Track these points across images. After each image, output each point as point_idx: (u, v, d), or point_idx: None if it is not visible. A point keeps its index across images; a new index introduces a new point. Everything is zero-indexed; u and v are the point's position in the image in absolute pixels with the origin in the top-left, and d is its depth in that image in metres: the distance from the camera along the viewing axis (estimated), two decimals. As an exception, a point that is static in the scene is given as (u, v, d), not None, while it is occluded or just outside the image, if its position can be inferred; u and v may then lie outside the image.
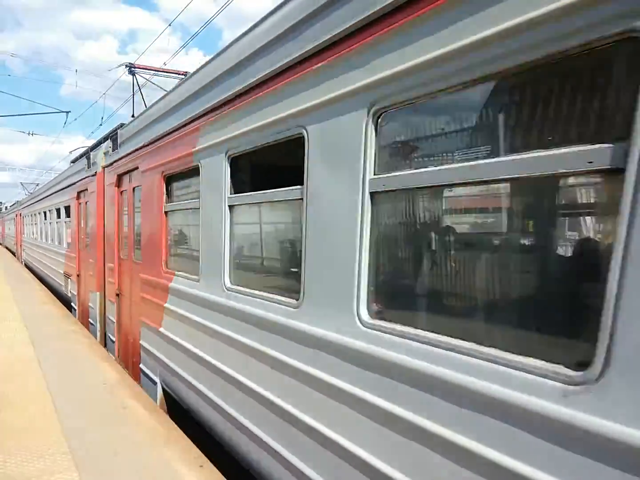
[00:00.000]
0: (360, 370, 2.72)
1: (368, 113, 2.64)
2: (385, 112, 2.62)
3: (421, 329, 2.42)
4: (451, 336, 2.25)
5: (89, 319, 10.39)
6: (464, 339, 2.19)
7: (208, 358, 4.60)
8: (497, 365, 1.99)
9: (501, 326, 2.29)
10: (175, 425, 5.25)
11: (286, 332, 3.41)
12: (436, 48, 2.23)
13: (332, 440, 2.94)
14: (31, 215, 23.73)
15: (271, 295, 3.70)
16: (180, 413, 5.54)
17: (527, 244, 2.39)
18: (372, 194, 2.67)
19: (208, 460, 4.41)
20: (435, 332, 2.33)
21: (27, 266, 24.32)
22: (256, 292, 3.92)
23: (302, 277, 3.23)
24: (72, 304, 12.54)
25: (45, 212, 18.31)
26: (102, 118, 25.10)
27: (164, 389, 6.02)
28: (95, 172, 9.50)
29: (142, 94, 15.39)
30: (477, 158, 2.26)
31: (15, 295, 14.27)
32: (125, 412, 5.51)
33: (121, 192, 8.05)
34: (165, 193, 5.89)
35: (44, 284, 17.18)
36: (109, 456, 4.42)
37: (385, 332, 2.58)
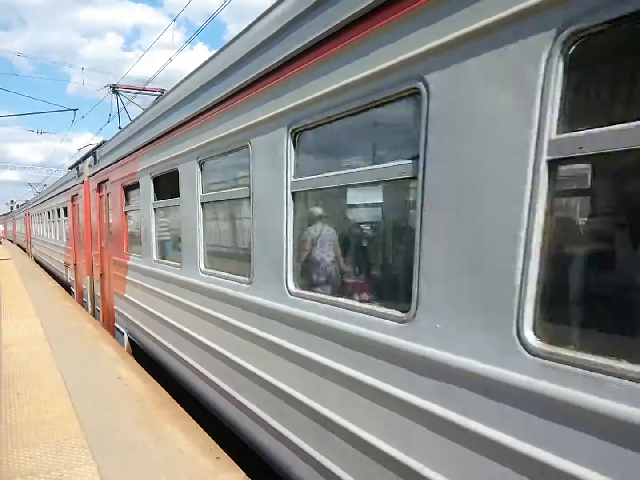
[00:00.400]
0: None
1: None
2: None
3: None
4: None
5: (83, 298, 13.02)
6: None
7: (152, 310, 6.77)
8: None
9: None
10: (187, 414, 5.28)
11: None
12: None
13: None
14: (38, 214, 26.53)
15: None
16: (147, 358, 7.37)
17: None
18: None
19: (224, 452, 4.44)
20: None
21: (36, 260, 26.68)
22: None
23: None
24: (71, 287, 15.40)
25: (49, 212, 20.97)
26: (109, 115, 25.11)
27: (129, 338, 8.41)
28: (83, 181, 11.76)
29: (126, 111, 17.76)
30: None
31: (23, 278, 18.15)
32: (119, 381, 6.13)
33: (101, 197, 10.15)
34: (124, 198, 8.15)
35: (50, 274, 19.89)
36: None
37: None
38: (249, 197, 4.00)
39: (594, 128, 1.73)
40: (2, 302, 12.30)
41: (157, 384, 6.37)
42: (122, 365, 7.12)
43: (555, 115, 1.84)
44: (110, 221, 9.25)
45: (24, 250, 36.31)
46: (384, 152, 3.12)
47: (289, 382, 3.60)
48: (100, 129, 36.77)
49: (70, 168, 15.03)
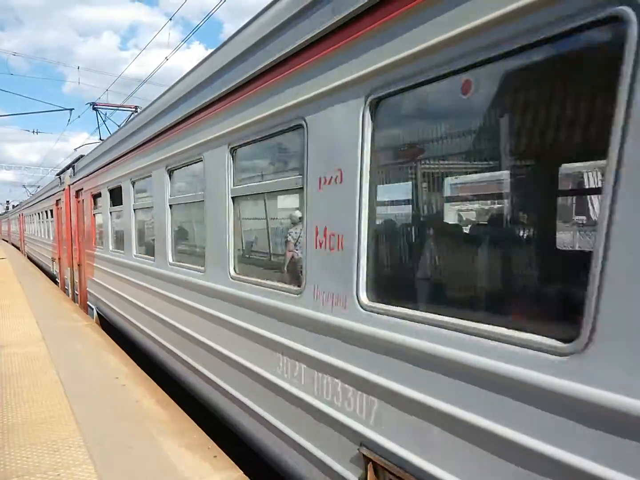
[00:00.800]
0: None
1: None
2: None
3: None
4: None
5: (65, 286, 15.66)
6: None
7: (109, 287, 9.39)
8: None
9: None
10: (184, 414, 5.29)
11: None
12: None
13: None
14: (30, 215, 29.74)
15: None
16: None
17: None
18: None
19: (221, 451, 4.44)
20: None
21: (29, 257, 29.43)
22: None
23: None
24: (56, 279, 18.32)
25: (38, 214, 24.23)
26: (105, 114, 25.03)
27: (97, 312, 10.94)
28: (64, 188, 14.52)
29: (106, 126, 19.27)
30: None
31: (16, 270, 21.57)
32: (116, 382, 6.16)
33: (78, 202, 12.62)
34: (93, 204, 10.98)
35: (40, 268, 23.19)
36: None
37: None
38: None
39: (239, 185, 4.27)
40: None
41: (155, 384, 6.37)
42: (120, 365, 7.12)
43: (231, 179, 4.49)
44: (84, 221, 11.93)
45: (18, 248, 38.88)
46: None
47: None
48: (96, 129, 36.51)
49: (56, 175, 17.77)
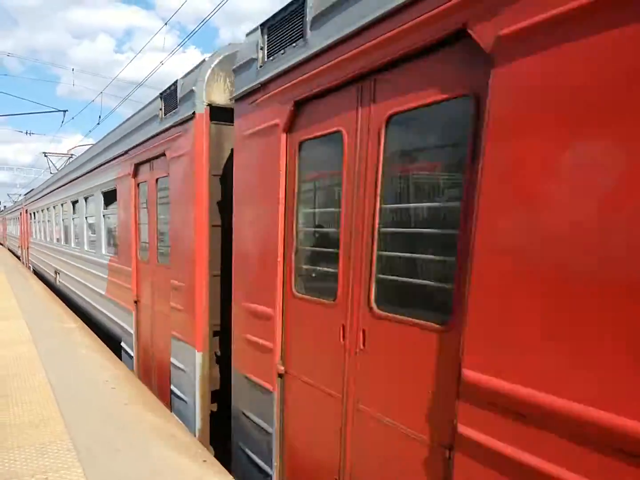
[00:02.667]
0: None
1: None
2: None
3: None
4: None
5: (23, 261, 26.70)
6: None
7: (42, 258, 19.88)
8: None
9: None
10: (174, 417, 5.28)
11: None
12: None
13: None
14: (7, 220, 42.54)
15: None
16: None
17: None
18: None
19: (211, 455, 4.44)
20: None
21: (9, 249, 40.08)
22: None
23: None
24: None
25: (12, 220, 37.34)
26: (99, 117, 25.00)
27: (33, 270, 23.27)
28: (21, 212, 27.03)
29: (56, 168, 24.54)
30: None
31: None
32: (105, 384, 5.60)
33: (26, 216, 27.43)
34: (29, 219, 25.49)
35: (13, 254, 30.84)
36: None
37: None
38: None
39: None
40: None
41: (145, 387, 6.36)
42: (109, 368, 7.08)
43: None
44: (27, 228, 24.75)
45: (1, 244, 51.77)
46: None
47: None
48: (90, 131, 36.54)
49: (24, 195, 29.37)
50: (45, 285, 16.56)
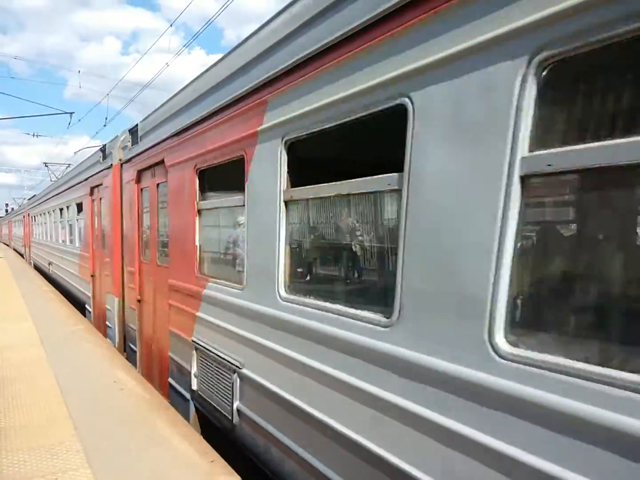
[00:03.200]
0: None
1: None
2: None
3: None
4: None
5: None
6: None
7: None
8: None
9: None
10: (182, 418, 5.29)
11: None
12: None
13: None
14: (17, 222, 43.92)
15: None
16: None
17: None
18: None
19: (219, 456, 4.45)
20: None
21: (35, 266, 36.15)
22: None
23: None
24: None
25: (3, 224, 44.58)
26: (105, 119, 25.15)
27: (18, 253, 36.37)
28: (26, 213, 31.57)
29: (56, 176, 27.24)
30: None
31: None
32: (114, 385, 5.59)
33: (9, 224, 43.12)
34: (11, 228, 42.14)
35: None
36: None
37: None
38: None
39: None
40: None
41: (153, 388, 6.38)
42: (117, 369, 7.11)
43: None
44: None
45: (7, 244, 56.99)
46: None
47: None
48: (97, 133, 36.77)
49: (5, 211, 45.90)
50: (53, 288, 17.24)
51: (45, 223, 21.42)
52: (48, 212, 20.02)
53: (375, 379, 2.74)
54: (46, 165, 30.76)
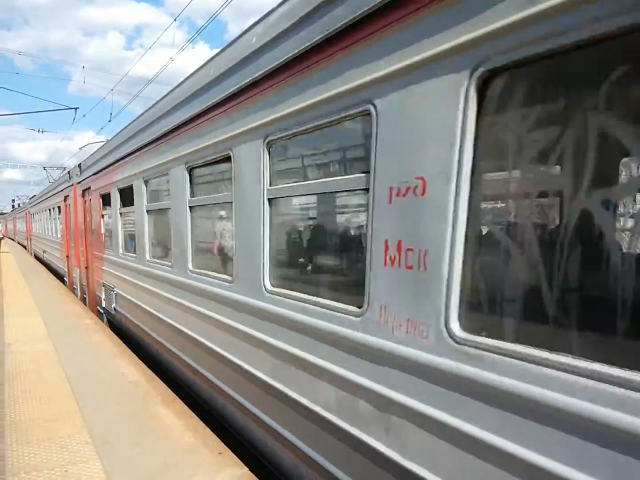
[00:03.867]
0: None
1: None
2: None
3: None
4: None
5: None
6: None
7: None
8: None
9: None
10: (190, 411, 5.32)
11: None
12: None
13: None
14: (20, 218, 49.53)
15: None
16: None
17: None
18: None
19: (227, 448, 4.47)
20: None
21: (35, 255, 39.06)
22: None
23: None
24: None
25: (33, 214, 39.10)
26: (110, 114, 25.17)
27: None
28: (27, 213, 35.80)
29: (53, 179, 29.99)
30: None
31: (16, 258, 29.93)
32: (122, 378, 5.65)
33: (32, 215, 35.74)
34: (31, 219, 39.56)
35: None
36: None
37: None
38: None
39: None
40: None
41: (161, 381, 6.42)
42: (125, 362, 7.16)
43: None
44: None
45: (12, 239, 61.12)
46: None
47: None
48: (102, 128, 36.78)
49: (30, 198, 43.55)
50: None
51: (40, 220, 27.82)
52: (42, 212, 26.16)
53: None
54: (44, 169, 38.88)
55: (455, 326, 2.30)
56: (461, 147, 2.23)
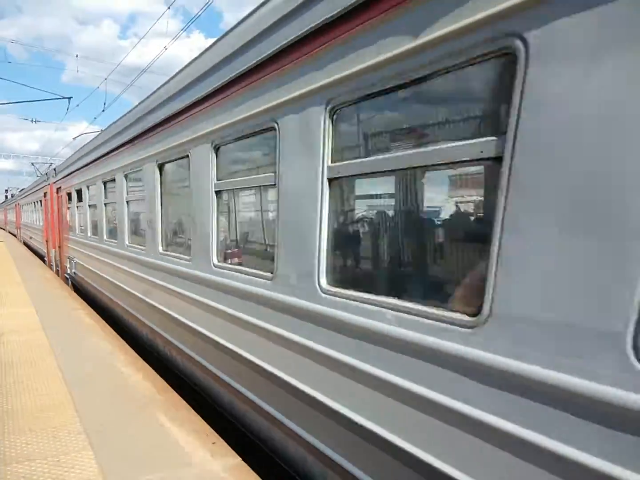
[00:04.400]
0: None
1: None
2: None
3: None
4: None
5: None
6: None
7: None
8: None
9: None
10: (184, 402, 5.32)
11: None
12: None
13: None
14: (10, 210, 51.79)
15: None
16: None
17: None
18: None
19: (220, 438, 4.47)
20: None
21: (24, 243, 39.20)
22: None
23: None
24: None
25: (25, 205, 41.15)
26: (104, 104, 24.95)
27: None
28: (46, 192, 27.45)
29: (40, 173, 33.22)
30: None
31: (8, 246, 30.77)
32: (115, 370, 5.63)
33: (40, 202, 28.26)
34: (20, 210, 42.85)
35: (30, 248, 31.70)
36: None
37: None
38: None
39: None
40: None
41: (153, 370, 6.41)
42: (118, 354, 7.14)
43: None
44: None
45: (2, 229, 62.67)
46: None
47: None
48: (95, 118, 36.47)
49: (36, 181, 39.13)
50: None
51: (27, 212, 32.17)
52: (28, 204, 30.32)
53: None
54: (32, 164, 43.06)
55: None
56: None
